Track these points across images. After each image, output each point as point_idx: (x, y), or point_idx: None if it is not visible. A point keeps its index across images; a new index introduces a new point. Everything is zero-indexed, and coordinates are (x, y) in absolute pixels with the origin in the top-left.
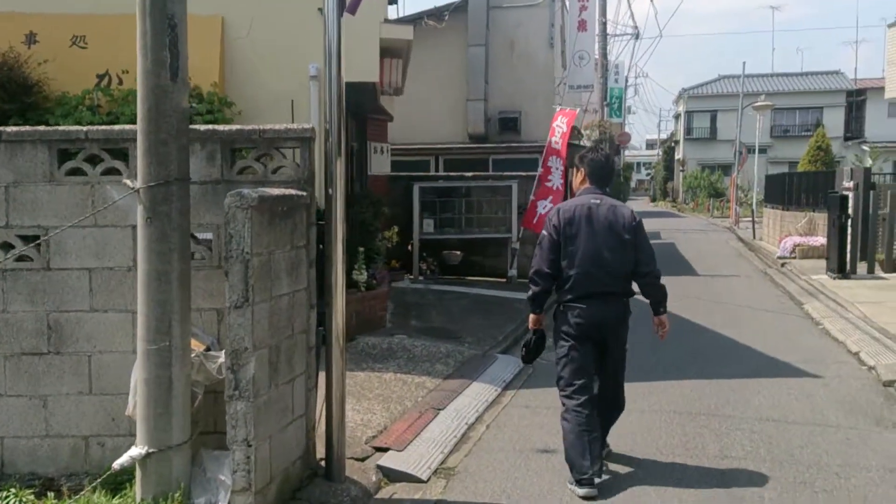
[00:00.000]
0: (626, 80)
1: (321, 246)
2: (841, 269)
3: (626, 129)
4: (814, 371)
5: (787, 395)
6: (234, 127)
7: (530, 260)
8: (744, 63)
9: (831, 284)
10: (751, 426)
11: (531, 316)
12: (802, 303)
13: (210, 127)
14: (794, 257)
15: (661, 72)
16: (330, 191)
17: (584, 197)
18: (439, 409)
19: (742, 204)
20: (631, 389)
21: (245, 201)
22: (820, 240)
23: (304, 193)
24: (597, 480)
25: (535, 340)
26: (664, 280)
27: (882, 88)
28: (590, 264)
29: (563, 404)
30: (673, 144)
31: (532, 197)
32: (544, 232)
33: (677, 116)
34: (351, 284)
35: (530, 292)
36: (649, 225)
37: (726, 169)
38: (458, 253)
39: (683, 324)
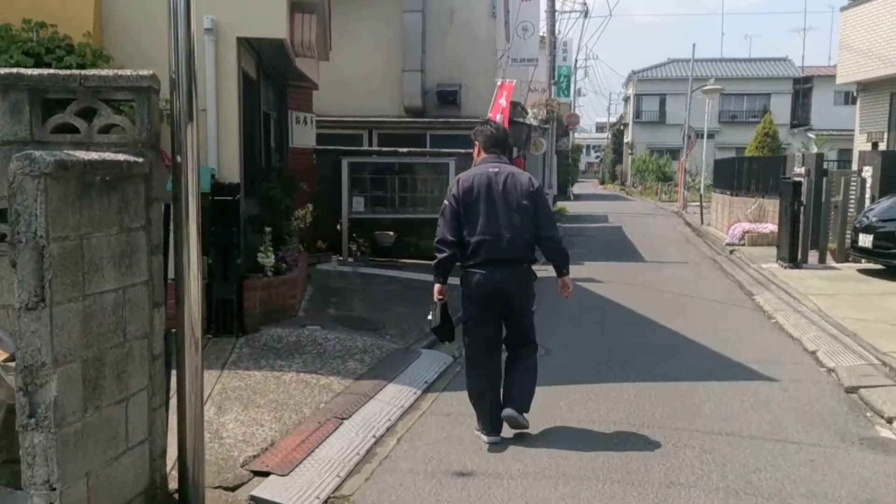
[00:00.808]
0: (576, 62)
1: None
2: (792, 259)
3: (576, 111)
4: (769, 373)
5: (740, 402)
6: (47, 71)
7: None
8: (693, 45)
9: (782, 274)
10: (701, 442)
11: (436, 286)
12: (753, 293)
13: (14, 70)
14: (744, 244)
15: (611, 55)
16: (179, 158)
17: (483, 166)
18: (343, 419)
19: (690, 188)
20: (567, 394)
21: (37, 167)
22: (770, 227)
23: (141, 160)
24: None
25: (439, 312)
26: (609, 265)
27: (829, 77)
28: (490, 231)
29: (468, 362)
30: (622, 127)
31: None
32: (445, 202)
33: (626, 99)
34: (257, 269)
35: (435, 262)
36: (598, 208)
37: (675, 153)
38: (391, 234)
39: (629, 315)
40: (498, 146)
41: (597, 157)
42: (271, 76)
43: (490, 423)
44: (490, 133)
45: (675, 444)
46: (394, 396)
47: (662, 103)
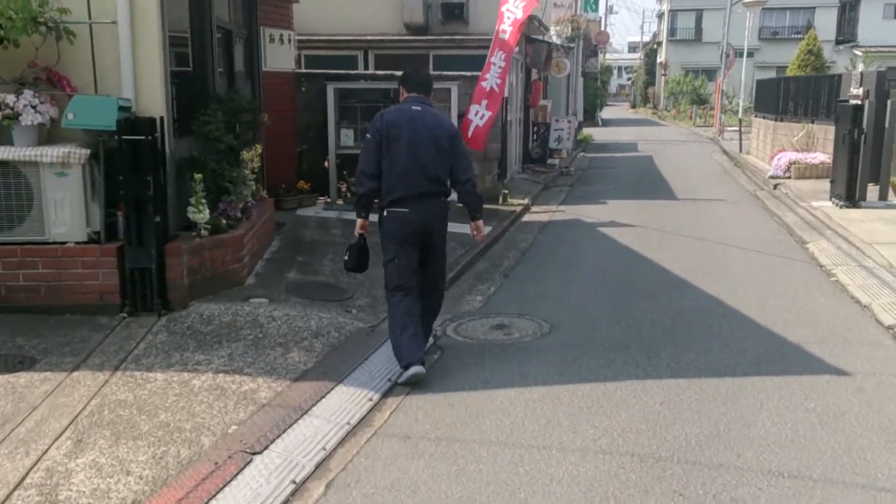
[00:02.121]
0: None
1: None
2: (849, 196)
3: (606, 29)
4: (837, 362)
5: (804, 412)
6: None
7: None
8: None
9: (838, 215)
10: (755, 490)
11: (358, 220)
12: (805, 241)
13: None
14: (789, 177)
15: None
16: None
17: (407, 104)
18: (255, 453)
19: (727, 112)
20: (572, 400)
21: None
22: (819, 157)
23: None
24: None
25: (357, 247)
26: (637, 204)
27: None
28: (409, 167)
29: (389, 301)
30: (655, 47)
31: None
32: (368, 135)
33: (660, 16)
34: (188, 226)
35: (357, 195)
36: (627, 134)
37: (711, 74)
38: None
39: (657, 273)
40: (419, 87)
41: (628, 78)
42: None
43: (410, 353)
44: (412, 74)
45: (717, 493)
46: (340, 407)
47: (699, 20)
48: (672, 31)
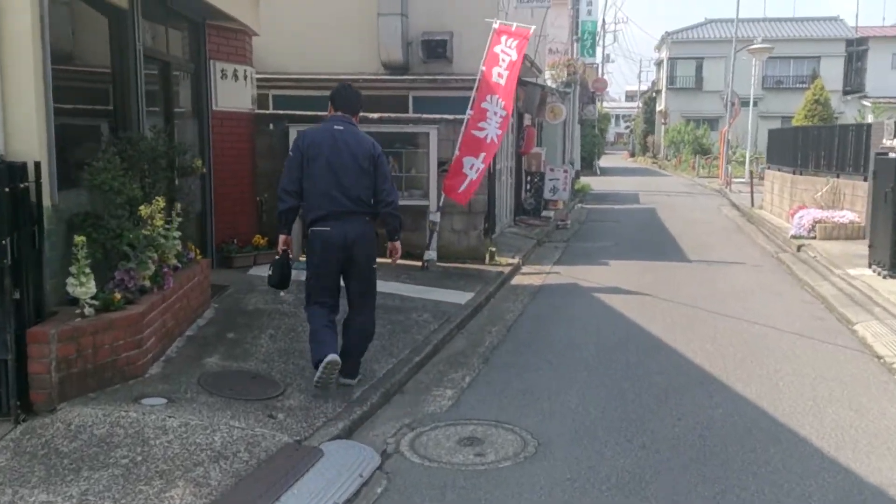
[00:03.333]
0: (604, 22)
1: None
2: (894, 264)
3: (603, 76)
4: None
5: None
6: None
7: (455, 236)
8: (738, 1)
9: (884, 287)
10: None
11: (281, 237)
12: (852, 321)
13: None
14: (814, 237)
15: (642, 15)
16: None
17: (330, 123)
18: None
19: (732, 162)
20: None
21: None
22: (848, 215)
23: None
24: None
25: (280, 263)
26: (642, 266)
27: (885, 38)
28: (330, 186)
29: (307, 311)
30: (654, 95)
31: (457, 152)
32: (290, 153)
33: (659, 64)
34: (68, 302)
35: (277, 211)
36: (627, 184)
37: (713, 123)
38: None
39: (674, 365)
40: (347, 107)
41: (626, 127)
42: (171, 7)
43: (323, 349)
44: (341, 92)
45: None
46: None
47: (699, 68)
48: (671, 80)
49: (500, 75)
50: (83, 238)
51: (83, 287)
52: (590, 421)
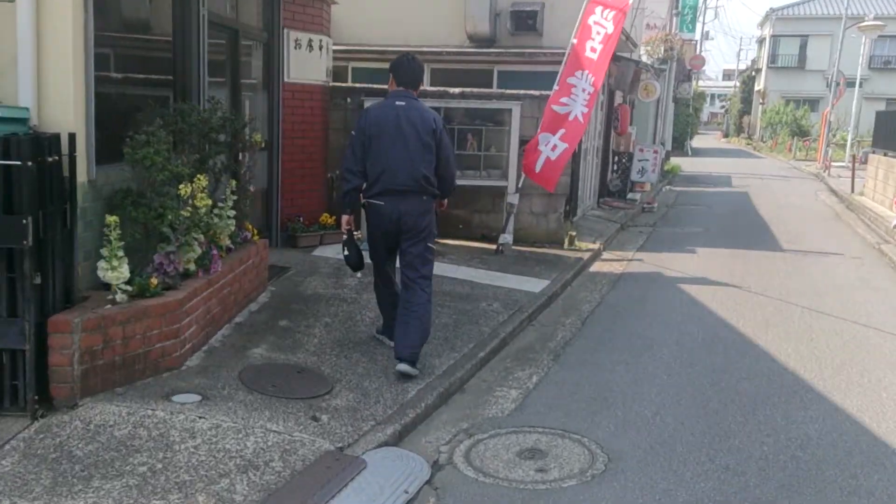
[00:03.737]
0: None
1: None
2: None
3: (701, 53)
4: None
5: None
6: None
7: (534, 218)
8: None
9: None
10: None
11: (344, 217)
12: None
13: None
14: None
15: None
16: None
17: (392, 99)
18: None
19: (832, 146)
20: None
21: None
22: None
23: None
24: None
25: (349, 243)
26: (732, 254)
27: None
28: (392, 163)
29: (377, 286)
30: (753, 73)
31: (538, 129)
32: (353, 132)
33: (761, 42)
34: (103, 286)
35: (343, 192)
36: (719, 166)
37: (813, 104)
38: None
39: (766, 369)
40: (410, 81)
41: (722, 106)
42: None
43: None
44: (404, 64)
45: None
46: None
47: (803, 46)
48: (773, 58)
49: (593, 49)
50: (115, 218)
51: (115, 272)
52: (667, 434)
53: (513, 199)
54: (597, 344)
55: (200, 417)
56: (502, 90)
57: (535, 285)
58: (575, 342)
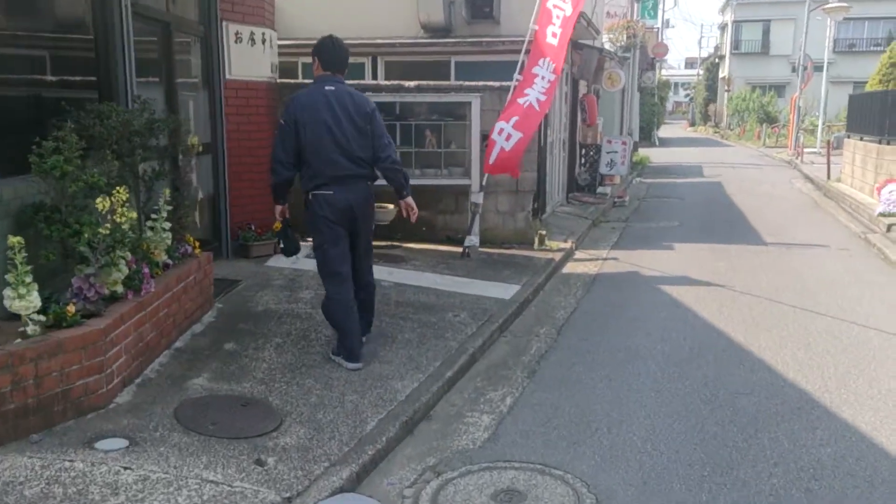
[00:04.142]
0: None
1: None
2: None
3: (663, 41)
4: None
5: None
6: None
7: (500, 218)
8: None
9: None
10: None
11: (278, 207)
12: None
13: None
14: None
15: None
16: None
17: (319, 84)
18: None
19: (801, 131)
20: None
21: None
22: None
23: None
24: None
25: (284, 234)
26: (712, 249)
27: None
28: (331, 151)
29: (327, 290)
30: (717, 61)
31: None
32: (281, 121)
33: (723, 28)
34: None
35: (274, 184)
36: (689, 156)
37: (780, 90)
38: (391, 207)
39: (765, 382)
40: (337, 64)
41: (686, 95)
42: None
43: (356, 348)
44: (329, 47)
45: None
46: None
47: (766, 31)
48: (736, 44)
49: (553, 34)
50: (19, 239)
51: (23, 300)
52: (661, 466)
53: (477, 198)
54: (575, 356)
55: (126, 468)
56: (461, 82)
57: (504, 291)
58: (551, 355)
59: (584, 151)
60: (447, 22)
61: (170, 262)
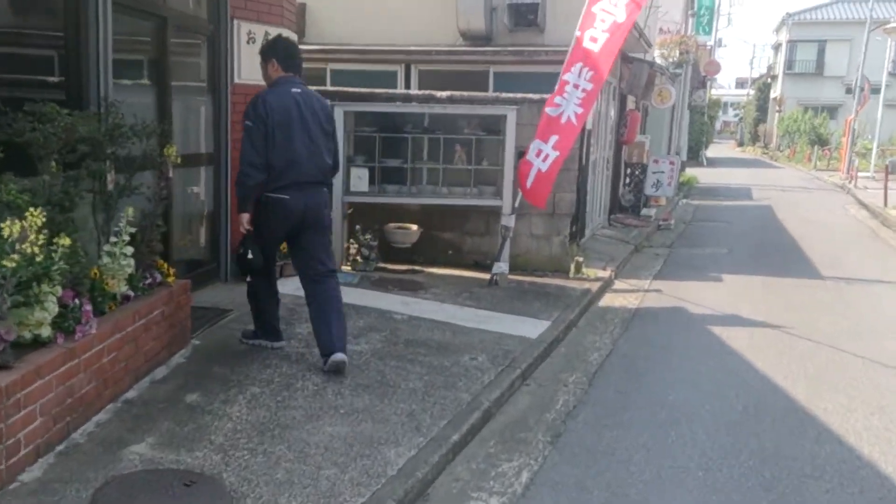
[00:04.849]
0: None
1: None
2: None
3: (716, 60)
4: None
5: None
6: None
7: (534, 242)
8: None
9: None
10: None
11: (245, 215)
12: None
13: None
14: None
15: None
16: None
17: (286, 86)
18: None
19: (858, 155)
20: None
21: None
22: None
23: None
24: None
25: (249, 243)
26: (764, 283)
27: None
28: (300, 155)
29: (257, 284)
30: (769, 80)
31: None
32: (249, 122)
33: (777, 47)
34: None
35: (244, 188)
36: (737, 177)
37: (832, 111)
38: (414, 228)
39: (838, 458)
40: (296, 66)
41: (735, 115)
42: None
43: (274, 332)
44: (289, 47)
45: None
46: None
47: (821, 51)
48: (790, 64)
49: (593, 39)
50: None
51: None
52: None
53: (508, 221)
54: (608, 415)
55: None
56: (497, 94)
57: (532, 328)
58: (580, 412)
59: (628, 171)
60: (488, 30)
61: (132, 293)
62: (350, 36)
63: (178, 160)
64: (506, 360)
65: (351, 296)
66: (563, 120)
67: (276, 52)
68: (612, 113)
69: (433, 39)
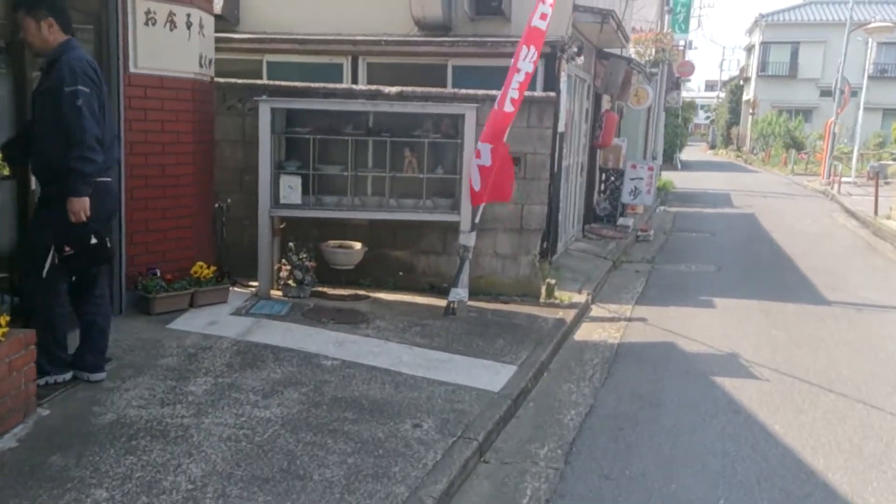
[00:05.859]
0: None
1: None
2: None
3: (689, 61)
4: None
5: None
6: None
7: (498, 262)
8: None
9: None
10: None
11: (84, 201)
12: None
13: None
14: None
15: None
16: None
17: (79, 50)
18: None
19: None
20: None
21: None
22: None
23: None
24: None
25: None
26: (761, 308)
27: None
28: (112, 130)
29: (53, 289)
30: (741, 83)
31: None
32: (83, 88)
33: (749, 49)
34: None
35: (90, 168)
36: (713, 181)
37: (807, 114)
38: (358, 247)
39: None
40: (72, 29)
41: (707, 117)
42: None
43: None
44: (66, 8)
45: None
46: None
47: (794, 53)
48: (763, 66)
49: (543, 16)
50: None
51: None
52: None
53: (467, 239)
54: None
55: None
56: (455, 90)
57: (493, 376)
58: None
59: (604, 177)
60: (446, 18)
61: None
62: (290, 23)
63: (6, 171)
64: (458, 426)
65: (274, 333)
66: (496, 106)
67: (54, 10)
68: (587, 115)
69: (385, 29)
